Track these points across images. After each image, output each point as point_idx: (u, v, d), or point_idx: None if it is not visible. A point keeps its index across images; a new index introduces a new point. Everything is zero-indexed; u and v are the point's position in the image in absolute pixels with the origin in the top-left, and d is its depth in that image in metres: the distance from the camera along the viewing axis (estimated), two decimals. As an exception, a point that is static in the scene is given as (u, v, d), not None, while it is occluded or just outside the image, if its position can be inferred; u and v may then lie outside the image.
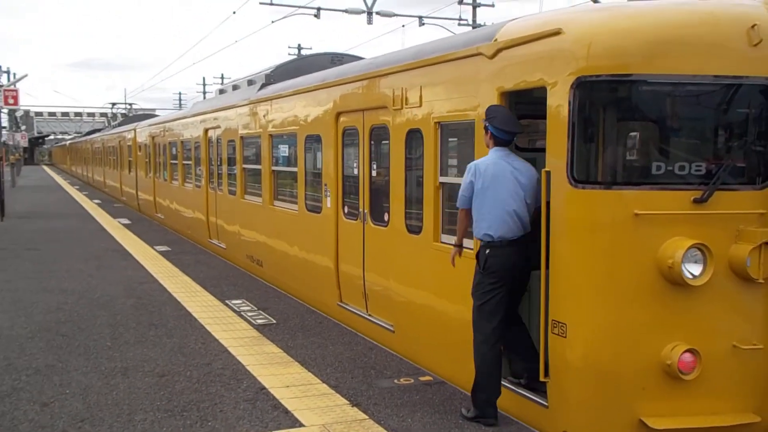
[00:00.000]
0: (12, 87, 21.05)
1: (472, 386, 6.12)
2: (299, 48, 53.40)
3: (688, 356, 5.32)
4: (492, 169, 5.95)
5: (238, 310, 10.29)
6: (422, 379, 7.24)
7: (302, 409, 6.42)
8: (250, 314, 10.01)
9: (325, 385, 7.09)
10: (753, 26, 5.33)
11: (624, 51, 5.36)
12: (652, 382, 5.41)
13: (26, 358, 7.99)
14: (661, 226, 5.36)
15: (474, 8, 35.71)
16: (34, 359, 7.93)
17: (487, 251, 5.96)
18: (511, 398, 6.27)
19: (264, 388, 6.98)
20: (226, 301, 10.83)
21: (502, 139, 6.03)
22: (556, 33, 5.64)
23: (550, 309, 5.70)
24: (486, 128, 6.13)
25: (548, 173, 5.65)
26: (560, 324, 5.61)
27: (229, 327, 9.33)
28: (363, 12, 27.89)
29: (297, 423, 6.11)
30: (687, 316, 5.41)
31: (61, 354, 8.13)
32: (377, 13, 28.26)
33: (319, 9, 27.87)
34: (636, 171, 5.56)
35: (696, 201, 5.35)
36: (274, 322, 9.60)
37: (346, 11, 28.30)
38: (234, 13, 31.02)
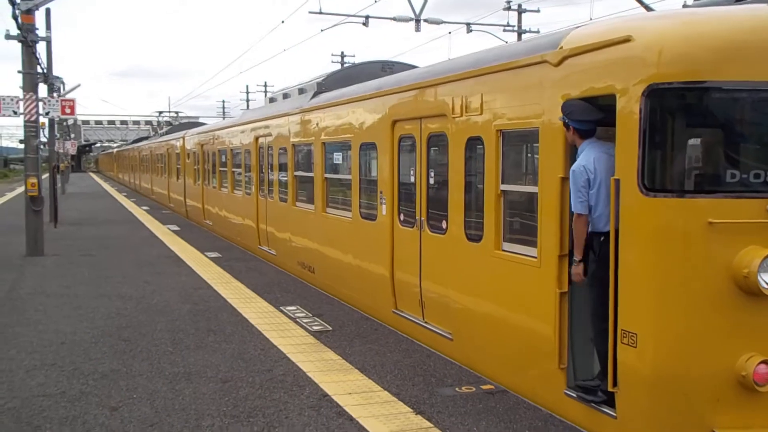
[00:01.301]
0: (68, 97, 21.54)
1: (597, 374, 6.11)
2: (342, 56, 53.76)
3: (763, 368, 5.23)
4: (596, 164, 5.95)
5: (293, 316, 10.36)
6: (484, 387, 7.21)
7: (367, 416, 6.44)
8: (305, 321, 10.07)
9: (386, 392, 7.09)
10: (829, 31, 5.23)
11: (696, 58, 5.30)
12: (725, 393, 5.32)
13: (92, 362, 8.13)
14: (736, 235, 5.28)
15: (519, 14, 35.65)
16: (100, 364, 8.07)
17: (601, 238, 5.94)
18: (578, 408, 6.22)
19: (327, 395, 7.01)
20: (281, 308, 10.91)
21: (586, 129, 6.05)
22: (626, 40, 5.60)
23: (619, 318, 5.65)
24: (567, 125, 6.13)
25: (617, 181, 5.61)
26: (630, 334, 5.55)
27: (286, 333, 9.39)
28: (411, 20, 27.94)
29: (363, 430, 6.12)
30: (762, 326, 5.31)
31: (125, 359, 8.26)
32: (425, 20, 28.26)
33: (367, 17, 28.01)
34: (709, 179, 5.49)
35: (771, 209, 5.25)
36: (330, 328, 9.65)
37: (394, 19, 28.38)
38: (283, 22, 31.42)
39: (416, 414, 6.50)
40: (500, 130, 7.23)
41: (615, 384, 5.72)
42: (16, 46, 16.98)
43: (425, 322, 8.91)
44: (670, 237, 5.38)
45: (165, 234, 21.40)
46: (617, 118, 5.61)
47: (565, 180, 6.27)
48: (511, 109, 7.07)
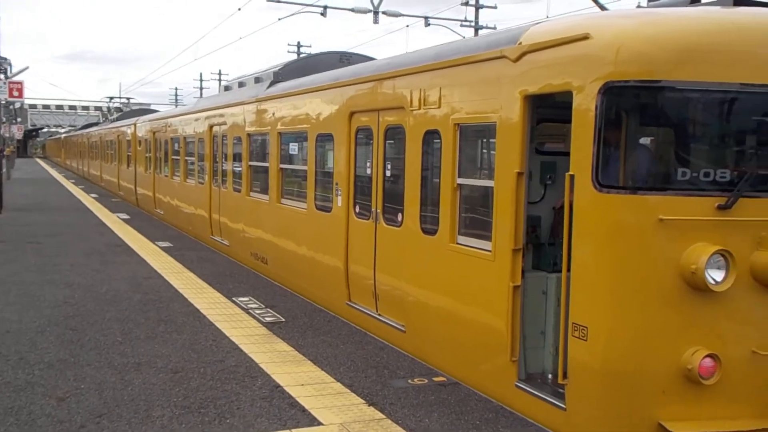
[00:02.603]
0: (17, 80, 20.96)
1: None
2: (299, 46, 53.49)
3: (708, 361, 5.37)
4: None
5: (245, 307, 10.29)
6: (436, 379, 7.26)
7: (319, 407, 6.43)
8: (258, 312, 10.02)
9: (339, 384, 7.10)
10: (779, 36, 5.38)
11: (652, 57, 5.41)
12: (672, 386, 5.45)
13: (38, 352, 7.95)
14: (685, 232, 5.40)
15: (476, 9, 35.91)
16: (46, 353, 7.89)
17: None
18: (528, 400, 6.30)
19: (279, 386, 6.98)
20: (233, 299, 10.83)
21: None
22: (584, 38, 5.68)
23: (570, 312, 5.74)
24: None
25: (572, 177, 5.69)
26: (581, 327, 5.65)
27: (239, 324, 9.32)
28: (369, 11, 27.95)
29: (315, 421, 6.12)
30: (708, 321, 5.46)
31: (73, 348, 8.09)
32: (383, 12, 28.29)
33: (325, 7, 27.92)
34: (661, 176, 5.61)
35: (720, 207, 5.40)
36: (283, 320, 9.60)
37: (352, 10, 28.35)
38: (239, 9, 30.97)
39: (369, 405, 6.52)
40: (458, 124, 7.27)
41: (565, 376, 5.81)
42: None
43: (379, 315, 8.93)
44: (621, 233, 5.49)
45: (115, 222, 21.04)
46: (573, 114, 5.69)
47: (521, 175, 6.34)
48: (469, 104, 7.11)
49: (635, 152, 5.60)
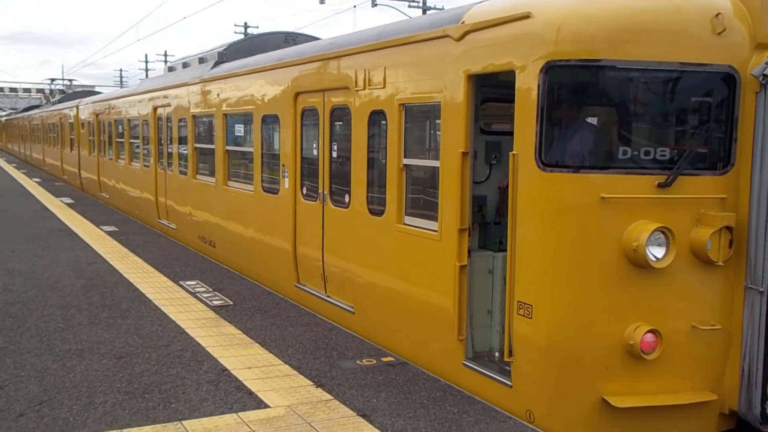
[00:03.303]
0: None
1: None
2: (245, 26, 52.81)
3: (650, 336, 5.46)
4: None
5: (193, 291, 10.16)
6: (384, 359, 7.27)
7: (266, 390, 6.39)
8: (205, 295, 9.90)
9: (287, 366, 7.06)
10: (717, 15, 5.46)
11: (593, 36, 5.44)
12: (614, 362, 5.54)
13: None
14: (627, 210, 5.47)
15: (425, -10, 35.89)
16: None
17: None
18: (475, 378, 6.35)
19: (226, 369, 6.91)
20: (180, 282, 10.68)
21: None
22: (526, 17, 5.68)
23: (516, 290, 5.78)
24: None
25: (515, 156, 5.70)
26: (526, 305, 5.69)
27: (185, 308, 9.20)
28: (316, -9, 27.65)
29: (262, 404, 6.07)
30: (649, 297, 5.55)
31: (12, 336, 7.90)
32: (330, -8, 28.04)
33: (272, -13, 27.50)
34: (603, 155, 5.66)
35: (660, 185, 5.47)
36: (231, 303, 9.51)
37: (299, -10, 27.99)
38: (181, -13, 30.34)
39: (317, 387, 6.50)
40: (403, 104, 7.23)
41: (511, 354, 5.86)
42: None
43: (327, 296, 8.89)
44: (564, 211, 5.54)
45: (58, 207, 20.52)
46: (516, 94, 5.70)
47: (466, 155, 6.34)
48: (414, 84, 7.07)
49: (578, 131, 5.64)
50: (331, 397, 6.25)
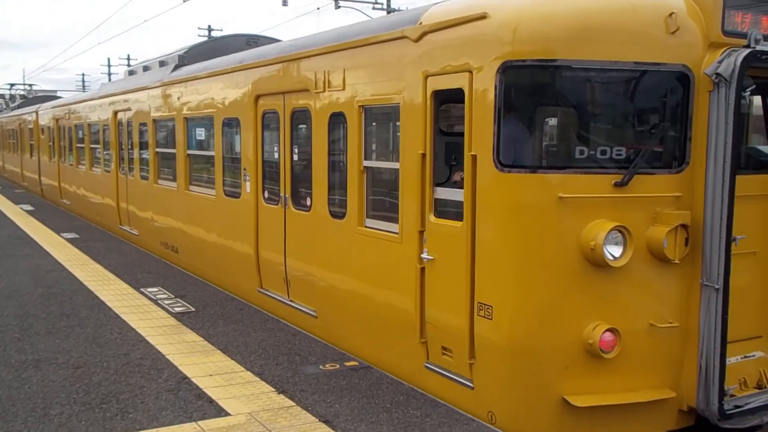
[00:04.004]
0: None
1: None
2: (209, 29, 52.23)
3: (608, 335, 5.48)
4: None
5: (154, 298, 10.03)
6: (348, 364, 7.22)
7: (227, 398, 6.31)
8: (167, 302, 9.77)
9: (249, 372, 6.99)
10: (671, 14, 5.50)
11: (549, 36, 5.44)
12: (574, 361, 5.55)
13: None
14: (584, 209, 5.49)
15: (389, -8, 35.86)
16: None
17: None
18: (437, 380, 6.32)
19: (186, 377, 6.82)
20: (142, 290, 10.54)
21: None
22: (482, 17, 5.67)
23: (476, 291, 5.77)
24: None
25: (474, 157, 5.70)
26: (486, 306, 5.69)
27: (146, 316, 9.06)
28: (278, -7, 27.50)
29: (222, 412, 5.99)
30: (608, 296, 5.57)
31: None
32: (291, -6, 27.89)
33: (234, -12, 27.30)
34: (560, 155, 5.69)
35: (617, 185, 5.50)
36: (193, 309, 9.40)
37: (261, -9, 27.81)
38: (142, -10, 30.05)
39: (278, 393, 6.43)
40: (362, 106, 7.19)
41: (472, 356, 5.85)
42: None
43: (290, 301, 8.81)
44: (523, 211, 5.54)
45: (17, 214, 20.17)
46: (473, 95, 5.69)
47: (425, 156, 6.32)
48: (373, 85, 7.04)
49: (534, 131, 5.65)
50: (293, 404, 6.20)
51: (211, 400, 6.24)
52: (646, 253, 5.59)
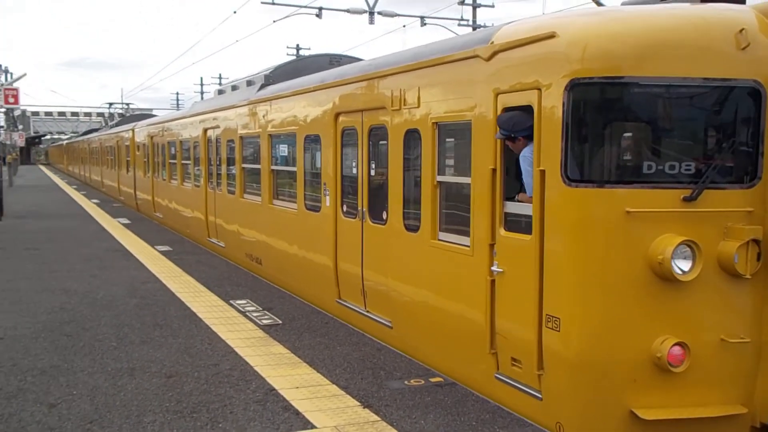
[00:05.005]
0: (12, 86, 21.09)
1: None
2: (298, 48, 53.45)
3: (677, 349, 5.50)
4: None
5: (243, 310, 10.28)
6: (433, 380, 7.19)
7: (313, 410, 6.38)
8: (255, 314, 9.99)
9: (335, 386, 7.04)
10: (741, 30, 5.52)
11: (616, 54, 5.55)
12: (642, 374, 5.59)
13: (31, 358, 7.96)
14: (652, 224, 5.54)
15: (474, 9, 35.87)
16: (39, 360, 7.91)
17: None
18: (507, 391, 6.44)
19: (273, 389, 6.94)
20: (231, 302, 10.81)
21: (530, 134, 6.09)
22: (551, 36, 5.82)
23: (544, 303, 5.88)
24: (513, 138, 6.24)
25: (543, 172, 5.83)
26: (554, 318, 5.79)
27: (235, 327, 9.30)
28: (365, 12, 27.96)
29: (309, 425, 6.06)
30: (676, 310, 5.59)
31: (66, 354, 8.11)
32: (379, 12, 28.32)
33: (320, 9, 28.00)
34: (628, 170, 5.74)
35: (685, 199, 5.53)
36: (280, 322, 9.57)
37: (347, 11, 28.35)
38: (235, 12, 31.23)
39: (364, 408, 6.45)
40: (436, 123, 7.42)
41: (540, 367, 5.96)
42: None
43: (367, 311, 9.07)
44: (590, 225, 5.63)
45: (115, 227, 21.11)
46: (542, 111, 5.83)
47: (495, 171, 6.49)
48: (447, 103, 7.26)
49: (602, 146, 5.74)
50: (379, 418, 6.19)
51: (297, 413, 6.32)
52: (716, 267, 5.59)
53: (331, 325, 9.38)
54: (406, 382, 7.12)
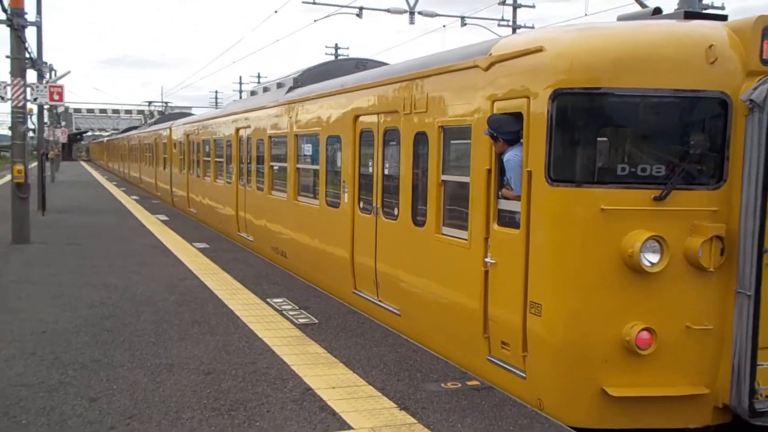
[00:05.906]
0: (57, 83, 21.88)
1: None
2: (336, 48, 53.80)
3: (645, 334, 6.12)
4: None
5: (279, 308, 10.31)
6: (469, 383, 7.16)
7: (350, 411, 6.37)
8: (291, 313, 10.01)
9: (371, 387, 7.03)
10: (710, 46, 6.10)
11: (595, 67, 6.18)
12: (613, 356, 6.21)
13: (72, 352, 8.04)
14: (625, 220, 6.16)
15: (514, 9, 35.96)
16: (80, 354, 7.99)
17: None
18: (497, 372, 7.09)
19: (310, 388, 6.94)
20: (267, 300, 10.86)
21: (512, 138, 6.80)
22: (539, 50, 6.47)
23: (529, 291, 6.53)
24: (495, 138, 6.93)
25: (530, 172, 6.48)
26: (537, 305, 6.43)
27: (272, 326, 9.32)
28: (405, 12, 28.13)
29: (345, 425, 6.06)
30: (645, 299, 6.20)
31: (107, 349, 8.19)
32: (419, 12, 28.41)
33: (361, 8, 28.25)
34: (604, 172, 6.36)
35: (655, 199, 6.14)
36: (316, 321, 9.57)
37: (388, 11, 28.47)
38: (276, 12, 31.77)
39: (400, 409, 6.45)
40: (441, 126, 8.09)
41: (525, 349, 6.60)
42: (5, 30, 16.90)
43: (379, 301, 9.77)
44: (569, 221, 6.28)
45: (153, 224, 21.26)
46: (530, 117, 6.48)
47: (490, 171, 7.14)
48: (451, 108, 7.93)
49: (581, 150, 6.37)
50: (415, 421, 6.17)
51: (334, 413, 6.31)
52: (683, 261, 6.18)
53: (367, 326, 9.37)
54: (442, 385, 7.09)
